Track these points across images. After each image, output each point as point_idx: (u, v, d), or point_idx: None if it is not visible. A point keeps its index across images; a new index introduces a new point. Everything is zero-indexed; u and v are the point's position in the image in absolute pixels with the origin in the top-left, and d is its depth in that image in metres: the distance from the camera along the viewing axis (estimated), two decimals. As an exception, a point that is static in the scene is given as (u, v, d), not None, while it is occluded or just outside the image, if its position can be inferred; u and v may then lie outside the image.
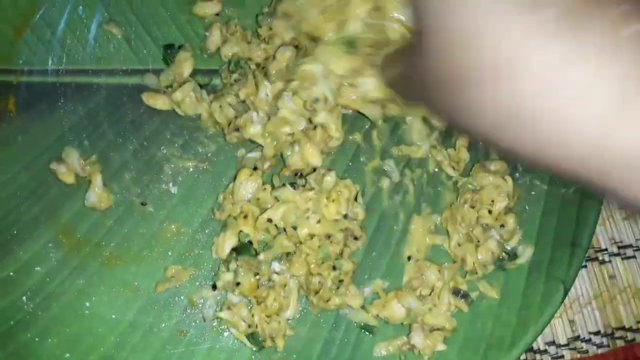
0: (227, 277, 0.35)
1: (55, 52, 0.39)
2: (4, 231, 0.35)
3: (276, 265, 0.35)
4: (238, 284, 0.34)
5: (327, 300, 0.35)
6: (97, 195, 0.36)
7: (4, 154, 0.37)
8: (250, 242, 0.36)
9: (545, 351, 0.39)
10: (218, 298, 0.36)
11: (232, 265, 0.35)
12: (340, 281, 0.36)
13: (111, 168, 0.37)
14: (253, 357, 0.35)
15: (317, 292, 0.35)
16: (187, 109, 0.38)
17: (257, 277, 0.35)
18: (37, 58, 0.39)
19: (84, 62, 0.39)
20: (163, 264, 0.36)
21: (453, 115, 0.24)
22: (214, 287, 0.35)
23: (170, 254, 0.36)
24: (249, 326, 0.35)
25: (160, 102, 0.39)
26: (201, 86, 0.39)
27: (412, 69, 0.26)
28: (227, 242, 0.35)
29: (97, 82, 0.39)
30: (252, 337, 0.35)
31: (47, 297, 0.34)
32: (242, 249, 0.36)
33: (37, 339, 0.33)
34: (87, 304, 0.35)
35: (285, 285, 0.35)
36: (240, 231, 0.36)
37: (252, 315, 0.34)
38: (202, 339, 0.35)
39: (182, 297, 0.35)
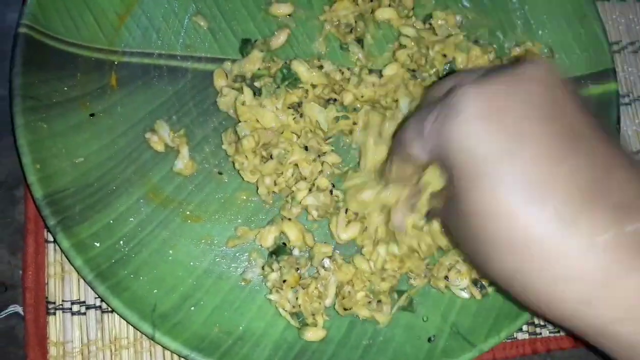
0: (274, 276, 0.40)
1: (152, 38, 0.45)
2: (104, 186, 0.41)
3: (327, 262, 0.41)
4: (284, 280, 0.40)
5: (349, 309, 0.40)
6: (183, 163, 0.42)
7: (106, 121, 0.42)
8: (284, 244, 0.41)
9: (545, 325, 0.46)
10: (263, 268, 0.41)
11: (275, 266, 0.41)
12: (379, 301, 0.41)
13: (194, 141, 0.43)
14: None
15: (343, 298, 0.40)
16: (221, 105, 0.44)
17: (299, 271, 0.41)
18: (136, 42, 0.44)
19: (174, 48, 0.45)
20: (233, 224, 0.42)
21: (468, 254, 0.30)
22: (263, 267, 0.41)
23: (239, 216, 0.42)
24: (293, 307, 0.40)
25: (220, 83, 0.44)
26: (255, 92, 0.42)
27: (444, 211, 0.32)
28: (270, 235, 0.41)
29: (185, 67, 0.45)
30: (296, 315, 0.40)
31: (138, 243, 0.40)
32: (278, 250, 0.41)
33: (131, 276, 0.39)
34: (171, 251, 0.41)
35: (326, 279, 0.40)
36: (282, 232, 0.41)
37: (297, 298, 0.40)
38: (261, 287, 0.41)
39: (246, 253, 0.42)
